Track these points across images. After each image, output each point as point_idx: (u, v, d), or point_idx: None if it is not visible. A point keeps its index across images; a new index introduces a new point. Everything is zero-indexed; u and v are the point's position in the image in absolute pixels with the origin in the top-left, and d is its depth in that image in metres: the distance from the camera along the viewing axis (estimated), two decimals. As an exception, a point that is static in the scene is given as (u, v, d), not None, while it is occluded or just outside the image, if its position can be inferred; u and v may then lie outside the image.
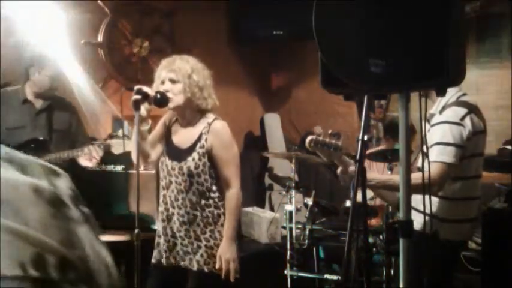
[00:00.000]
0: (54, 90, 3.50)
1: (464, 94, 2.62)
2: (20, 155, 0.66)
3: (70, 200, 0.66)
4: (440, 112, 2.59)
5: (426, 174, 2.00)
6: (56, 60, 3.53)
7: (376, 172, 4.30)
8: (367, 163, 4.17)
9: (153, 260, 2.71)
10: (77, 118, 3.64)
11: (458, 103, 2.59)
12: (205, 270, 2.58)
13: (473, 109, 2.59)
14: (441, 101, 2.62)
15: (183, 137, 2.67)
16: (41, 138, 3.43)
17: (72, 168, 3.23)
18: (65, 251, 0.52)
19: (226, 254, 2.56)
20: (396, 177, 2.17)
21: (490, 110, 5.20)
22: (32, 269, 0.46)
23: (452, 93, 2.58)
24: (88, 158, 3.26)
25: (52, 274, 0.48)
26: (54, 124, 3.53)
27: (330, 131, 2.45)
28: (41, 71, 3.41)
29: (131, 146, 2.63)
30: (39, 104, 3.51)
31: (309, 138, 2.46)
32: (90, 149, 3.24)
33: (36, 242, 0.51)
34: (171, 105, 2.57)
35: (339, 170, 2.53)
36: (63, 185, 0.68)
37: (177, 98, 2.56)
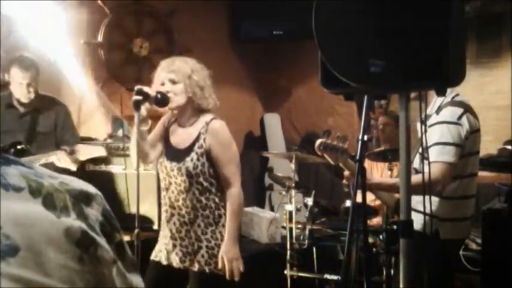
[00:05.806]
0: (36, 90, 3.42)
1: (457, 94, 2.66)
2: (48, 178, 0.61)
3: (101, 230, 0.61)
4: (437, 112, 2.61)
5: (426, 175, 2.00)
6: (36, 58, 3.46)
7: (376, 172, 4.31)
8: (367, 163, 4.18)
9: (153, 257, 2.71)
10: (63, 118, 3.57)
11: (454, 103, 2.61)
12: (207, 270, 2.57)
13: (468, 108, 2.63)
14: (436, 102, 2.65)
15: (181, 137, 2.66)
16: (22, 141, 3.40)
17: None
18: None
19: (229, 253, 2.55)
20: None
21: (490, 110, 5.20)
22: None
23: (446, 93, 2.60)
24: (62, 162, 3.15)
25: None
26: (38, 126, 3.51)
27: (337, 134, 2.51)
28: (21, 70, 3.34)
29: (130, 147, 2.62)
30: (22, 107, 3.49)
31: (318, 141, 2.51)
32: (58, 155, 3.14)
33: None
34: (172, 105, 2.56)
35: (346, 173, 2.55)
36: (94, 212, 0.62)
37: (178, 98, 2.56)
